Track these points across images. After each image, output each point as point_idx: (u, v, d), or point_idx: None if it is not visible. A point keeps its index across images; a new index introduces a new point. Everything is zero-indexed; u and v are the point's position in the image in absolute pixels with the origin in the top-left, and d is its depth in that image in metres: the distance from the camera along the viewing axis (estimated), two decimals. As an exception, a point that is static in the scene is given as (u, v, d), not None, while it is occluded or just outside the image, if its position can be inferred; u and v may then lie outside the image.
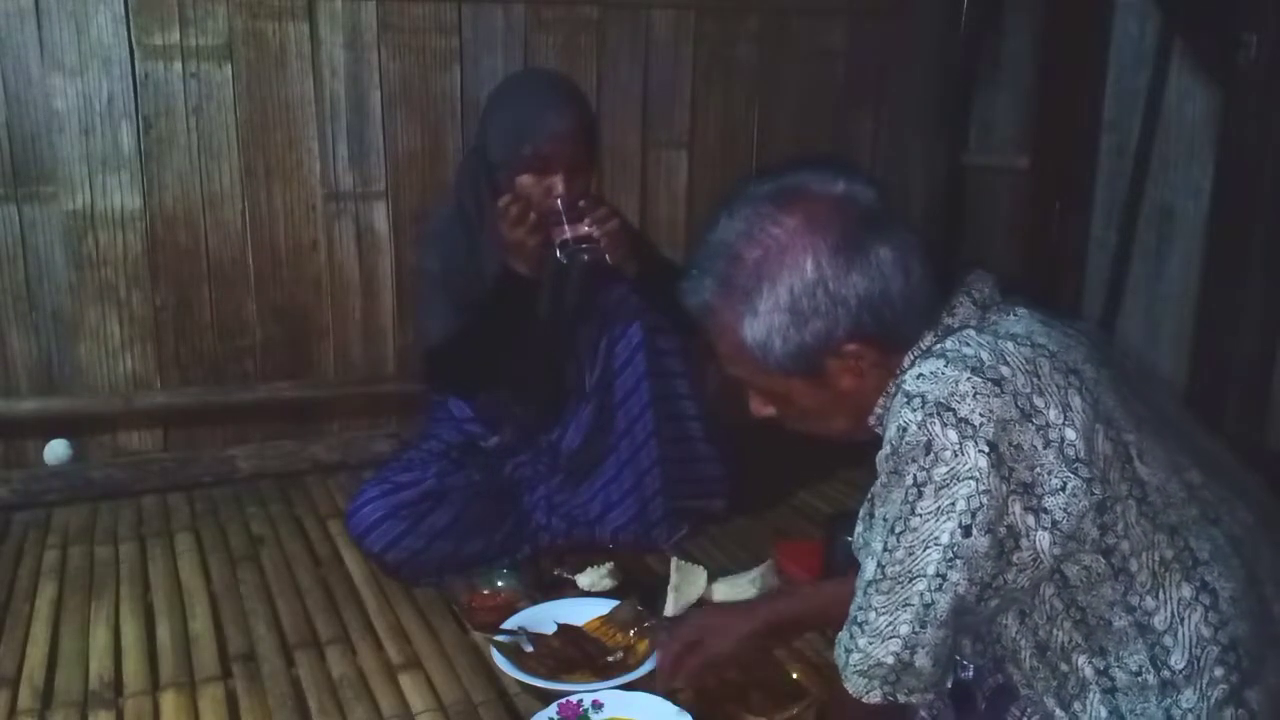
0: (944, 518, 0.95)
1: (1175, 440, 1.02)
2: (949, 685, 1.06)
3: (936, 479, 0.95)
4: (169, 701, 1.50)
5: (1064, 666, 1.01)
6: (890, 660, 1.00)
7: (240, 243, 2.26)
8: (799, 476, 2.26)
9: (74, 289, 2.16)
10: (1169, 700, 0.96)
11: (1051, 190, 2.52)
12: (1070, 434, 0.94)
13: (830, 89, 2.75)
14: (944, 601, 0.97)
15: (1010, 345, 0.98)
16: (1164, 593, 0.96)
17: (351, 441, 2.40)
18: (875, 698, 1.02)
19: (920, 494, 0.96)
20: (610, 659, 1.55)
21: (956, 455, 0.94)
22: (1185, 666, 0.96)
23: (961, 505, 0.94)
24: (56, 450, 2.20)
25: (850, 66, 2.75)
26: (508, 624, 1.63)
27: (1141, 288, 2.40)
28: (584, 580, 1.79)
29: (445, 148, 2.38)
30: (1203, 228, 2.22)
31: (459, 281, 1.88)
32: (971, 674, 1.14)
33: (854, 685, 1.03)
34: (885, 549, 0.99)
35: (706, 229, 1.07)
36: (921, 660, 0.99)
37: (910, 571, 0.98)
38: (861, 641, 1.02)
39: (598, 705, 1.40)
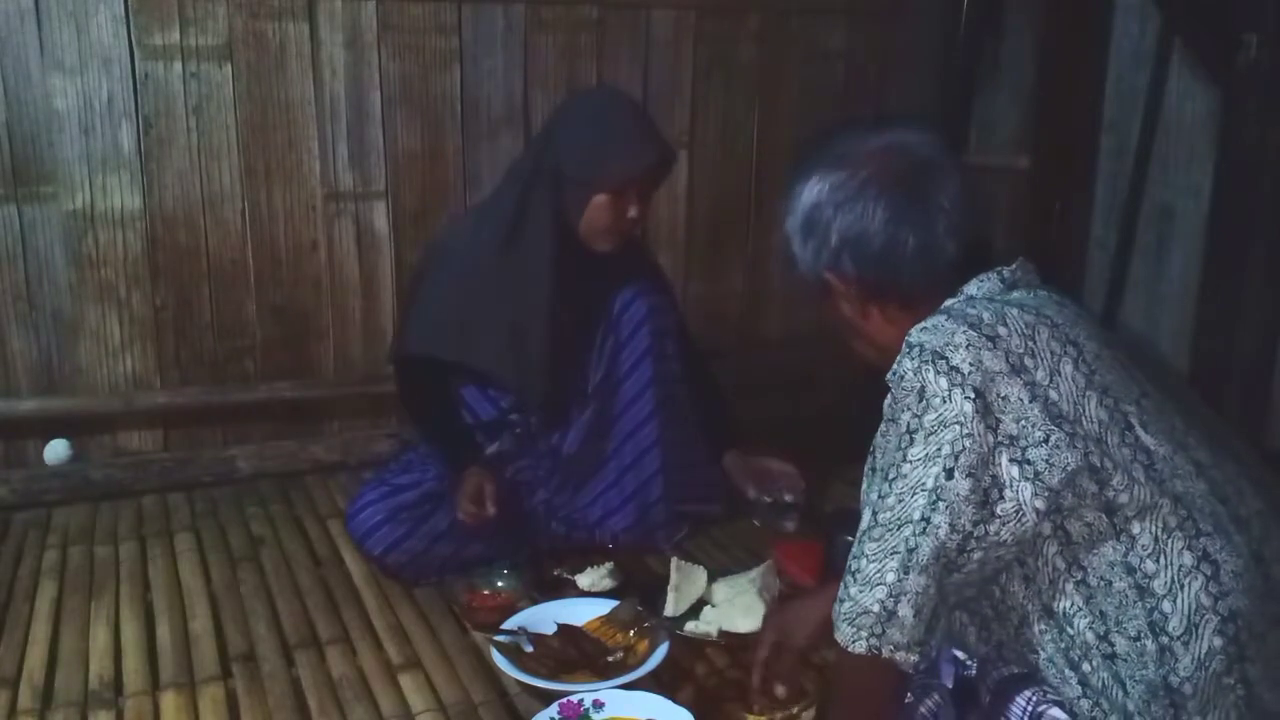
0: (931, 463, 0.99)
1: (1184, 421, 1.04)
2: (934, 655, 1.09)
3: (926, 425, 0.99)
4: (169, 701, 1.50)
5: (1069, 629, 1.03)
6: (876, 608, 1.02)
7: (240, 243, 2.26)
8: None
9: (74, 289, 2.16)
10: (1166, 668, 0.98)
11: (1051, 190, 2.52)
12: (1054, 395, 0.98)
13: (830, 89, 2.75)
14: (926, 546, 0.99)
15: (1014, 311, 1.02)
16: (1165, 558, 0.98)
17: (351, 441, 2.40)
18: (861, 648, 1.03)
19: (911, 440, 1.00)
20: (610, 659, 1.55)
21: (945, 401, 0.98)
22: (1183, 633, 0.97)
23: (946, 449, 0.98)
24: (56, 450, 2.20)
25: (850, 66, 2.75)
26: (508, 624, 1.63)
27: (1141, 287, 2.40)
28: (584, 580, 1.79)
29: (445, 148, 2.38)
30: (1203, 228, 2.22)
31: (465, 297, 1.88)
32: (975, 670, 1.14)
33: (842, 634, 1.05)
34: (879, 496, 1.03)
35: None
36: (904, 610, 1.01)
37: (899, 518, 1.01)
38: (853, 590, 1.04)
39: (599, 705, 1.40)
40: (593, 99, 1.99)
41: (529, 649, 1.57)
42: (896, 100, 2.81)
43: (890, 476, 1.02)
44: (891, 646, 1.02)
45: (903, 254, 1.08)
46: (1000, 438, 0.97)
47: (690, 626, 1.65)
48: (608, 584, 1.78)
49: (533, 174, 1.85)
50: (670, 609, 1.68)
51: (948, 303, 1.08)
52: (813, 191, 1.12)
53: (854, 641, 1.04)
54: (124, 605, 1.77)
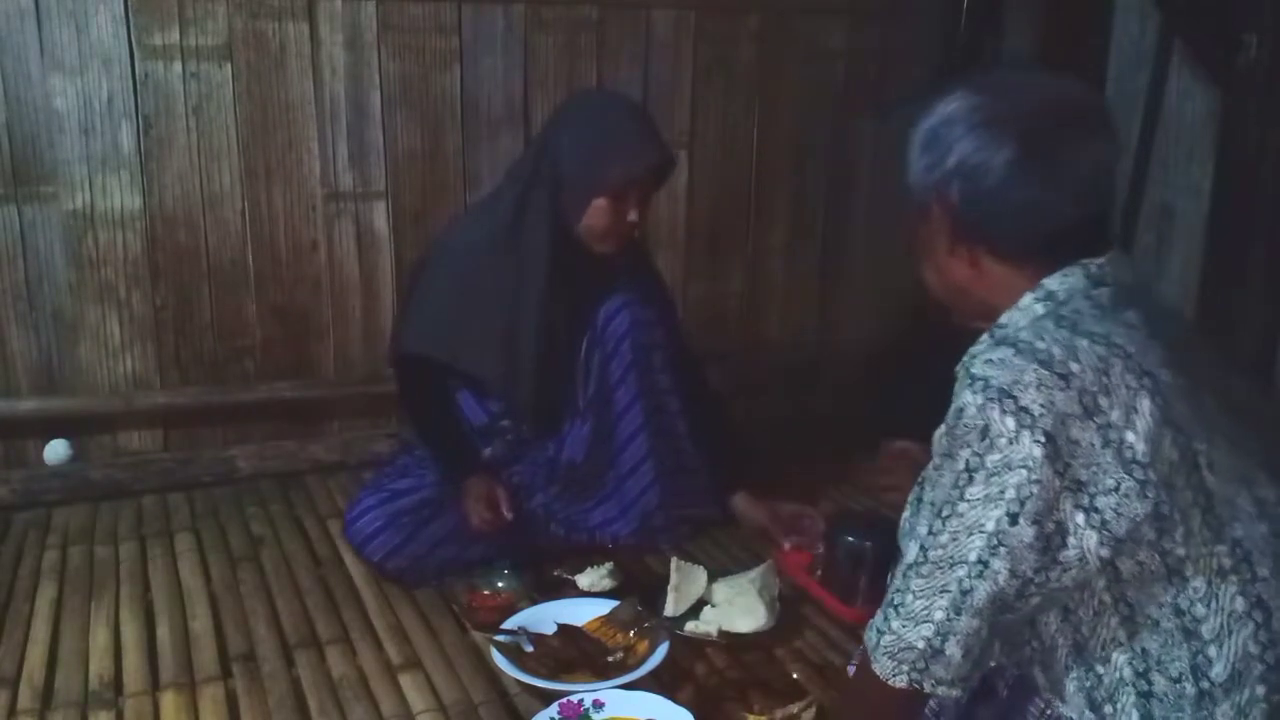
0: (992, 505, 0.94)
1: (1252, 454, 1.00)
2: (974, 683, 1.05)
3: (989, 465, 0.94)
4: (169, 701, 1.50)
5: (1100, 668, 1.00)
6: (920, 645, 0.99)
7: (240, 243, 2.26)
8: (799, 477, 2.26)
9: (74, 289, 2.15)
10: (1204, 712, 0.95)
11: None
12: (1130, 436, 0.93)
13: (830, 89, 2.74)
14: (982, 590, 0.95)
15: (1085, 343, 0.96)
16: (1216, 603, 0.95)
17: (351, 441, 2.40)
18: (901, 682, 1.01)
19: (971, 479, 0.95)
20: (610, 659, 1.55)
21: (1011, 443, 0.93)
22: (1226, 680, 0.95)
23: (1011, 494, 0.93)
24: (56, 450, 2.20)
25: (850, 66, 2.75)
26: (508, 624, 1.63)
27: (1141, 287, 2.40)
28: (584, 580, 1.79)
29: (445, 148, 2.38)
30: (1203, 228, 2.22)
31: (460, 298, 1.88)
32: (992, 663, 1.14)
33: (881, 667, 1.02)
34: (930, 532, 0.98)
35: None
36: (952, 649, 0.98)
37: (952, 557, 0.97)
38: (895, 624, 1.01)
39: (599, 704, 1.40)
40: (592, 100, 1.99)
41: (529, 649, 1.57)
42: (896, 100, 2.81)
43: (944, 514, 0.97)
44: (934, 682, 1.00)
45: (1013, 202, 1.01)
46: (1068, 482, 0.93)
47: (690, 626, 1.65)
48: (608, 584, 1.78)
49: (531, 176, 1.84)
50: (670, 609, 1.68)
51: (1026, 302, 1.02)
52: (950, 105, 1.05)
53: (894, 675, 1.01)
54: (124, 605, 1.77)
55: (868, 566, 1.71)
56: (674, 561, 1.75)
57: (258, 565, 1.93)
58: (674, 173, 1.93)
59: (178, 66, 2.13)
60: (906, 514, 1.07)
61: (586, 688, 1.44)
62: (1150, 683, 0.97)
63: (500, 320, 1.87)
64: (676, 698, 1.42)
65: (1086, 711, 1.01)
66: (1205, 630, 0.95)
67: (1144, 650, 0.97)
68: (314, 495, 2.25)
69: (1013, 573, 0.94)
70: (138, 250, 2.18)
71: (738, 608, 1.66)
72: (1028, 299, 1.03)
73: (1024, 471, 0.92)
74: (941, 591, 0.97)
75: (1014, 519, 0.93)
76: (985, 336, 1.05)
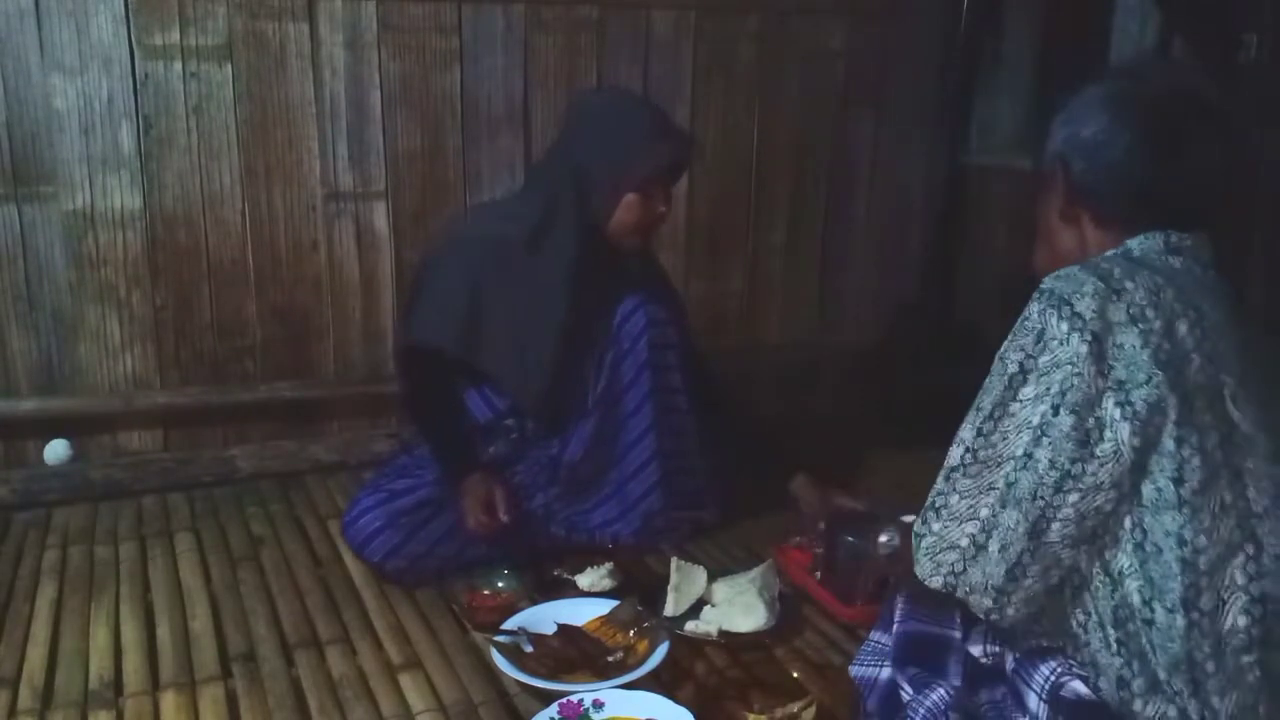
0: (1040, 402, 1.01)
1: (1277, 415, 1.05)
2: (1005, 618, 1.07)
3: (1040, 365, 1.01)
4: (169, 701, 1.50)
5: (1121, 588, 1.04)
6: (964, 542, 1.04)
7: (240, 243, 2.26)
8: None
9: (74, 289, 2.16)
10: (1192, 643, 0.99)
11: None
12: (1166, 344, 1.00)
13: (830, 89, 2.74)
14: (1025, 481, 1.01)
15: (1146, 271, 1.04)
16: (1217, 534, 1.00)
17: (351, 441, 2.40)
18: (937, 582, 1.06)
19: (1025, 379, 1.02)
20: (610, 659, 1.55)
21: (1062, 344, 1.00)
22: (1212, 609, 0.99)
23: (1055, 388, 1.00)
24: (56, 450, 2.20)
25: (850, 66, 2.75)
26: (508, 624, 1.63)
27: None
28: (584, 580, 1.79)
29: (445, 148, 2.38)
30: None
31: (479, 294, 1.87)
32: (991, 661, 1.16)
33: (921, 568, 1.07)
34: (979, 433, 1.05)
35: None
36: (993, 546, 1.02)
37: (1000, 455, 1.03)
38: (936, 525, 1.06)
39: (599, 704, 1.40)
40: (609, 99, 2.00)
41: (529, 649, 1.57)
42: (896, 100, 2.81)
43: (996, 415, 1.03)
44: (968, 588, 1.04)
45: (1127, 180, 1.09)
46: (1110, 382, 0.99)
47: (690, 626, 1.65)
48: (608, 584, 1.78)
49: (556, 178, 1.85)
50: (670, 609, 1.68)
51: (1109, 253, 1.10)
52: (1098, 87, 1.13)
53: (932, 576, 1.06)
54: (124, 605, 1.77)
55: (868, 566, 1.71)
56: (674, 561, 1.75)
57: (258, 565, 1.93)
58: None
59: (178, 66, 2.13)
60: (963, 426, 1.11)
61: (586, 688, 1.44)
62: (1152, 611, 1.01)
63: (519, 318, 1.87)
64: (676, 697, 1.42)
65: (1110, 628, 1.04)
66: (1202, 562, 0.99)
67: (1150, 579, 1.01)
68: (314, 495, 2.25)
69: (1052, 463, 0.99)
70: (138, 250, 2.18)
71: (738, 607, 1.66)
72: (1107, 253, 1.10)
73: (1069, 367, 0.99)
74: (988, 489, 1.03)
75: (1055, 409, 0.99)
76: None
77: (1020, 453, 1.01)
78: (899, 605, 1.28)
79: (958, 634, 1.24)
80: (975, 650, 1.19)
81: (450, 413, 1.96)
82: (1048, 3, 2.54)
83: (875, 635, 1.37)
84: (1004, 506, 1.02)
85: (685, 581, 1.71)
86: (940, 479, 1.08)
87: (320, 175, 2.29)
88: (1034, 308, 1.04)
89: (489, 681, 1.55)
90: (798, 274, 2.84)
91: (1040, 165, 1.18)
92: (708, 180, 2.66)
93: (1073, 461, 0.99)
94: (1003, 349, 1.06)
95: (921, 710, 1.16)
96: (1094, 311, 1.00)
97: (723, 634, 1.64)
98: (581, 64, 2.45)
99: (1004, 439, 1.03)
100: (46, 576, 1.87)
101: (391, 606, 1.77)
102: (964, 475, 1.05)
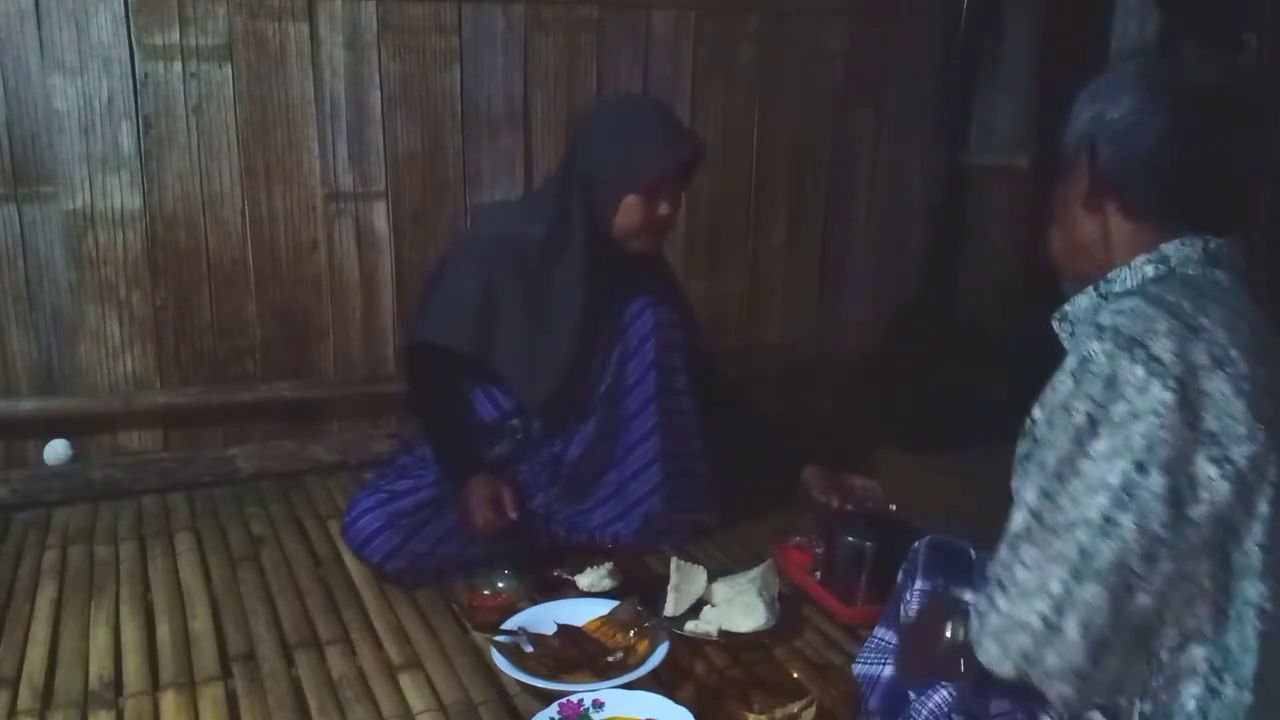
0: (1117, 458, 0.88)
1: None
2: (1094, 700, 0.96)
3: (1115, 417, 0.89)
4: (169, 701, 1.50)
5: (1169, 656, 0.94)
6: (1034, 621, 0.91)
7: (240, 243, 2.26)
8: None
9: (74, 289, 2.15)
10: None
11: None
12: (1255, 391, 0.90)
13: (830, 89, 2.75)
14: (1108, 551, 0.88)
15: (1214, 305, 0.95)
16: None
17: (351, 441, 2.40)
18: (1007, 669, 0.93)
19: (1095, 433, 0.90)
20: (610, 659, 1.55)
21: (1140, 392, 0.88)
22: (1274, 691, 0.92)
23: (1139, 443, 0.88)
24: (56, 450, 2.20)
25: (850, 66, 2.75)
26: (508, 624, 1.63)
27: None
28: (584, 580, 1.79)
29: (445, 148, 2.38)
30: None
31: (493, 294, 1.87)
32: None
33: (986, 653, 0.95)
34: (1044, 495, 0.92)
35: None
36: (1070, 627, 0.89)
37: (1071, 520, 0.90)
38: (1002, 602, 0.93)
39: (599, 704, 1.40)
40: (619, 102, 2.02)
41: (529, 649, 1.57)
42: (896, 100, 2.82)
43: (1062, 474, 0.91)
44: (1044, 672, 0.91)
45: (1157, 167, 1.01)
46: (1200, 434, 0.88)
47: (690, 626, 1.65)
48: (608, 584, 1.78)
49: (566, 181, 1.85)
50: (670, 609, 1.68)
51: (1140, 262, 1.02)
52: (1128, 70, 1.05)
53: (1000, 663, 0.93)
54: (124, 605, 1.77)
55: (868, 566, 1.71)
56: (674, 561, 1.75)
57: (258, 565, 1.93)
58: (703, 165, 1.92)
59: (178, 66, 2.13)
60: (1014, 482, 1.00)
61: (586, 688, 1.44)
62: (1221, 681, 0.93)
63: (532, 320, 1.87)
64: (676, 697, 1.42)
65: (1139, 703, 0.95)
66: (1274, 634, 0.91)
67: (1225, 647, 0.92)
68: (314, 495, 2.25)
69: (1141, 530, 0.88)
70: (138, 250, 2.18)
71: (738, 607, 1.66)
72: (1140, 259, 1.02)
73: (1153, 419, 0.88)
74: (1058, 558, 0.90)
75: (1142, 468, 0.87)
76: (1089, 289, 1.06)
77: (1097, 517, 0.88)
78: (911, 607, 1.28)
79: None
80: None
81: (455, 412, 1.96)
82: (1048, 3, 2.54)
83: (879, 632, 1.37)
84: (1080, 580, 0.89)
85: (685, 581, 1.71)
86: (1003, 548, 0.95)
87: (320, 175, 2.29)
88: (1095, 347, 0.91)
89: (489, 681, 1.55)
90: (798, 274, 2.84)
91: (1062, 146, 1.11)
92: (708, 180, 2.65)
93: (1165, 527, 0.88)
94: (1060, 397, 0.94)
95: (924, 711, 1.15)
96: (1174, 354, 0.89)
97: (723, 634, 1.63)
98: (581, 64, 2.45)
99: (1074, 502, 0.90)
100: (46, 576, 1.87)
101: (391, 606, 1.77)
102: (1030, 544, 0.92)
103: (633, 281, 1.93)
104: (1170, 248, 1.01)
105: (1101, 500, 0.89)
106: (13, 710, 1.48)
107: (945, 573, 1.29)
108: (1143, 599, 0.90)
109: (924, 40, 2.77)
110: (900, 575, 1.35)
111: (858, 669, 1.36)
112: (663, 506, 1.97)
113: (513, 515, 1.79)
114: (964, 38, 2.72)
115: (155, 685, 1.55)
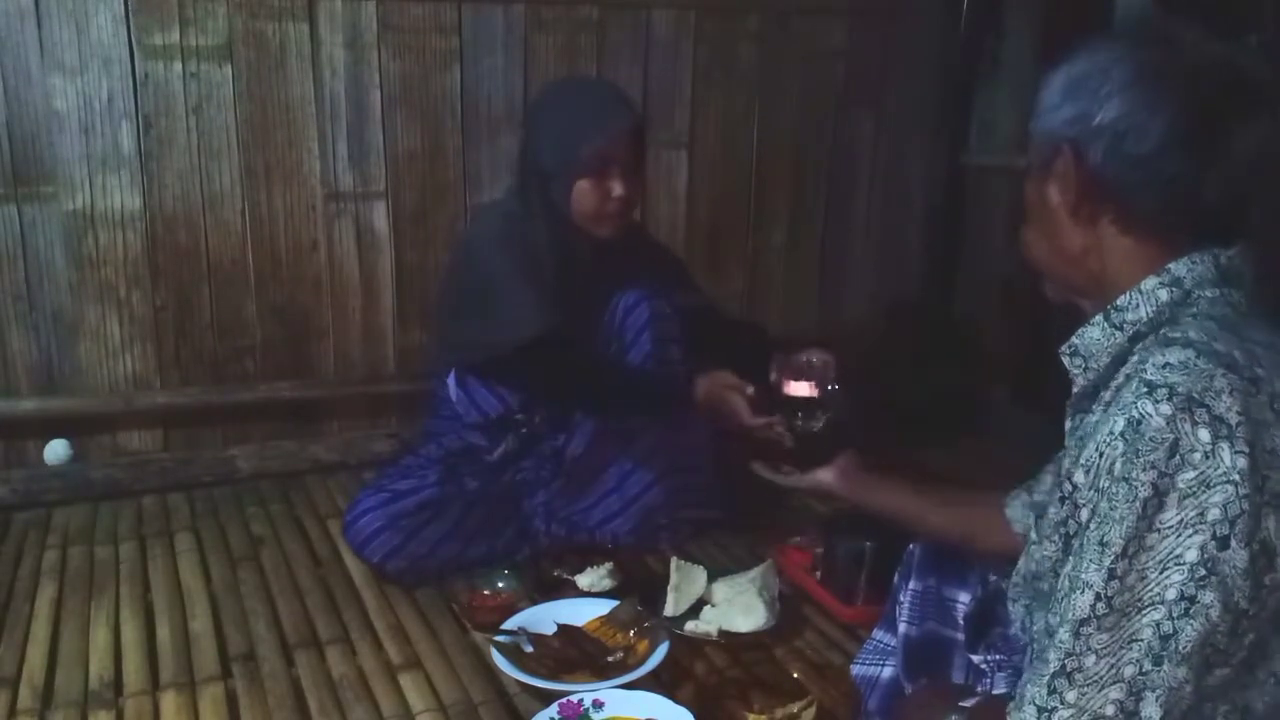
0: (1190, 531, 0.81)
1: None
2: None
3: (1182, 486, 0.81)
4: (169, 701, 1.50)
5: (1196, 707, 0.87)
6: (1110, 711, 0.83)
7: (240, 243, 2.26)
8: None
9: (74, 289, 2.15)
10: None
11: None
12: None
13: (830, 89, 2.75)
14: (1190, 631, 0.81)
15: (1260, 349, 0.87)
16: None
17: (351, 441, 2.40)
18: None
19: (1161, 505, 0.82)
20: (610, 659, 1.55)
21: (1208, 458, 0.81)
22: None
23: (1215, 514, 0.81)
24: (56, 450, 2.20)
25: (850, 66, 2.75)
26: (508, 624, 1.63)
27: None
28: (584, 580, 1.79)
29: (445, 148, 2.38)
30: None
31: (539, 267, 1.85)
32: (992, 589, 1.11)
33: None
34: (1111, 575, 0.83)
35: None
36: (1150, 710, 0.82)
37: (1142, 600, 0.82)
38: (1071, 695, 0.85)
39: (599, 704, 1.40)
40: (555, 88, 1.98)
41: (529, 649, 1.57)
42: (896, 100, 2.82)
43: (1130, 551, 0.82)
44: None
45: (1162, 173, 0.90)
46: (1268, 496, 0.81)
47: (690, 626, 1.65)
48: (608, 584, 1.78)
49: (521, 174, 1.87)
50: (670, 609, 1.68)
51: (1151, 285, 0.92)
52: (1110, 53, 0.91)
53: None
54: (124, 605, 1.77)
55: (867, 567, 1.71)
56: (674, 561, 1.75)
57: (258, 565, 1.93)
58: (648, 149, 1.90)
59: (178, 66, 2.13)
60: (1069, 564, 0.89)
61: (586, 688, 1.44)
62: None
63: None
64: (676, 697, 1.42)
65: None
66: None
67: (1246, 708, 0.87)
68: (314, 495, 2.25)
69: (1225, 606, 0.81)
70: (138, 250, 2.18)
71: (738, 608, 1.66)
72: (1151, 282, 0.93)
73: (1230, 487, 0.80)
74: (1131, 642, 0.83)
75: (1224, 542, 0.81)
76: (1098, 318, 0.96)
77: (1173, 597, 0.81)
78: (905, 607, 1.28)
79: (961, 636, 1.23)
80: (976, 658, 1.19)
81: (605, 361, 1.92)
82: (1048, 3, 2.54)
83: (878, 634, 1.37)
84: (1159, 664, 0.82)
85: (685, 581, 1.71)
86: (1066, 635, 0.85)
87: (320, 175, 2.29)
88: (1150, 409, 0.82)
89: (489, 681, 1.55)
90: (798, 274, 2.84)
91: (1033, 148, 0.98)
92: (708, 180, 2.66)
93: (1249, 600, 0.81)
94: (1111, 464, 0.84)
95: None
96: (1238, 413, 0.81)
97: (723, 634, 1.64)
98: (581, 64, 2.45)
99: (1143, 580, 0.82)
100: (46, 576, 1.87)
101: (391, 606, 1.77)
102: (1098, 629, 0.83)
103: (620, 266, 1.92)
104: (1181, 268, 0.92)
105: (1176, 577, 0.82)
106: (13, 710, 1.48)
107: (938, 573, 1.29)
108: (1222, 673, 0.85)
109: (924, 40, 2.77)
110: (896, 577, 1.35)
111: (856, 670, 1.36)
112: (663, 500, 1.96)
113: (748, 390, 1.76)
114: (964, 38, 2.72)
115: (155, 685, 1.55)
